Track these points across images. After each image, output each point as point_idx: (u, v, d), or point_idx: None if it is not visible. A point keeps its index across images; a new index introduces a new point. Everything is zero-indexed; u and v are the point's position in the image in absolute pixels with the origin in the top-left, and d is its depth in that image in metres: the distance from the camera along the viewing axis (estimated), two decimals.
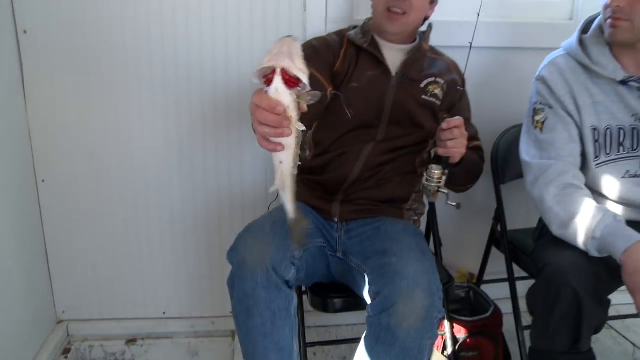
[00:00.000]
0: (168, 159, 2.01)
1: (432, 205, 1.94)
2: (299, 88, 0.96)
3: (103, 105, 1.91)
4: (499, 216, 1.92)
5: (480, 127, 1.77)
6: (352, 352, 1.44)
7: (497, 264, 1.96)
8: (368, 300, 1.38)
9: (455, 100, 1.69)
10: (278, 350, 1.38)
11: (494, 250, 2.00)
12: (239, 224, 2.08)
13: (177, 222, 2.08)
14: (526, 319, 1.78)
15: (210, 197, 2.07)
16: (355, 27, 1.70)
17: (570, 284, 1.32)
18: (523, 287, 1.81)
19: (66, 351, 2.09)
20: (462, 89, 1.72)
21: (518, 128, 1.89)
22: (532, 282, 1.79)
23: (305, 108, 0.99)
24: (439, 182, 1.48)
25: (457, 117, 1.46)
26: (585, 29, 1.57)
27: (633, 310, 1.92)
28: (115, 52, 1.85)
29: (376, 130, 1.60)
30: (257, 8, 1.87)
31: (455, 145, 1.46)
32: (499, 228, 1.93)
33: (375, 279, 1.37)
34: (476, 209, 2.15)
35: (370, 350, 1.33)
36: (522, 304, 1.75)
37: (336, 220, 1.64)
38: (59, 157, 1.95)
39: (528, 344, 1.73)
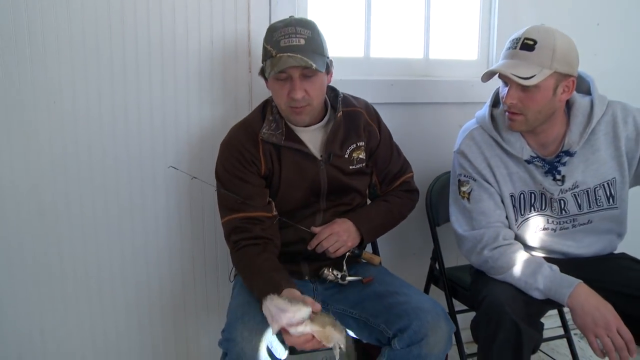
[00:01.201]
0: (120, 226, 2.04)
1: (374, 247, 2.09)
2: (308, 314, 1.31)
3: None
4: (436, 256, 2.09)
5: (413, 175, 1.95)
6: None
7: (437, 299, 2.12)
8: (374, 337, 1.58)
9: (374, 147, 1.80)
10: None
11: (432, 287, 2.17)
12: (189, 273, 2.15)
13: (127, 274, 2.10)
14: (469, 348, 1.95)
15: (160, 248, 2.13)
16: (263, 113, 1.71)
17: (508, 314, 1.50)
18: (462, 318, 2.00)
19: None
20: (379, 135, 1.80)
21: (447, 175, 2.11)
22: (470, 313, 1.98)
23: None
24: (339, 278, 1.72)
25: (319, 232, 1.71)
26: (495, 101, 1.76)
27: (557, 333, 2.16)
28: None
29: (318, 204, 1.74)
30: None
31: (335, 249, 1.70)
32: (437, 266, 2.10)
33: (393, 318, 1.52)
34: (413, 250, 2.33)
35: None
36: (464, 335, 1.92)
37: (307, 278, 1.78)
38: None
39: None
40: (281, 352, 1.48)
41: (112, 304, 2.10)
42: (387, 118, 1.84)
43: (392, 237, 1.80)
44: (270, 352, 1.45)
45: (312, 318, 1.30)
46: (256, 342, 1.42)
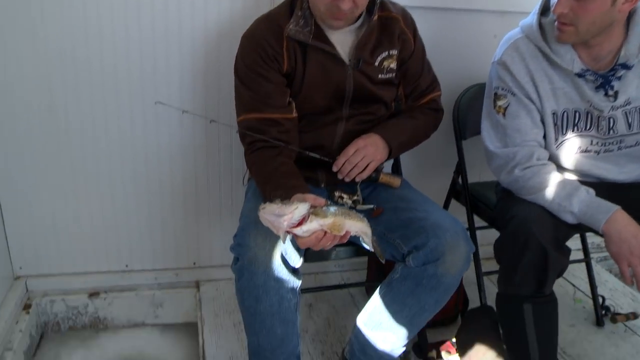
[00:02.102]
0: (132, 108, 1.95)
1: (396, 161, 2.00)
2: (307, 210, 1.18)
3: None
4: (460, 170, 2.00)
5: (441, 86, 1.81)
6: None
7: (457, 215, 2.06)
8: (389, 252, 1.51)
9: (407, 58, 1.66)
10: (284, 324, 1.47)
11: (453, 202, 2.10)
12: (203, 175, 2.09)
13: (140, 172, 2.05)
14: (485, 266, 1.91)
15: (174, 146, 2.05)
16: (291, 8, 1.55)
17: (536, 236, 1.42)
18: (481, 235, 1.95)
19: (27, 307, 2.06)
20: (413, 46, 1.65)
21: (477, 87, 1.99)
22: (490, 231, 1.93)
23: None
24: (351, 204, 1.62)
25: (344, 151, 1.59)
26: (544, 9, 1.59)
27: (576, 257, 2.09)
28: None
29: (341, 111, 1.62)
30: None
31: (364, 164, 1.58)
32: (459, 181, 2.02)
33: (410, 234, 1.45)
34: (436, 164, 2.24)
35: (406, 292, 1.47)
36: (482, 251, 1.88)
37: (323, 186, 1.70)
38: (14, 108, 1.86)
39: (488, 289, 1.88)
40: (296, 259, 1.43)
41: (123, 201, 2.07)
42: (419, 22, 1.68)
43: (415, 149, 1.70)
44: (284, 260, 1.40)
45: (316, 212, 1.19)
46: (270, 248, 1.36)
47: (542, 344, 1.48)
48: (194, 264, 2.24)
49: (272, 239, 1.36)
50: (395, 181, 1.66)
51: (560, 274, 1.50)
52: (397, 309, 1.51)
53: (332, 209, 1.21)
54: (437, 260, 1.40)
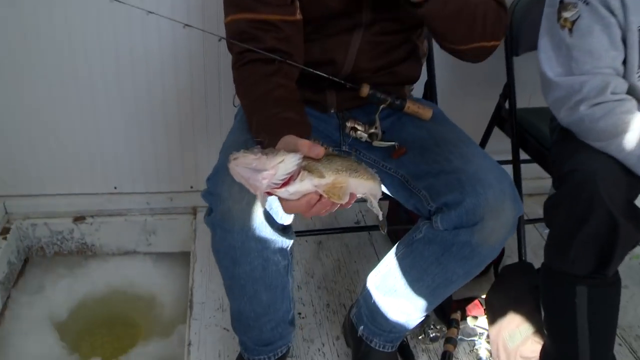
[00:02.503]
0: (114, 14, 1.62)
1: (429, 82, 1.63)
2: (297, 165, 0.81)
3: None
4: (508, 93, 1.63)
5: None
6: None
7: (499, 147, 1.72)
8: (412, 204, 1.20)
9: None
10: (269, 289, 1.20)
11: (495, 132, 1.75)
12: (200, 89, 1.77)
13: (128, 84, 1.74)
14: (528, 206, 1.60)
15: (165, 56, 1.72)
16: None
17: (603, 200, 1.09)
18: (524, 168, 1.65)
19: (5, 231, 1.84)
20: None
21: None
22: (533, 166, 1.59)
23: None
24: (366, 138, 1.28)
25: None
26: None
27: None
28: None
29: (360, 14, 1.21)
30: None
31: None
32: (506, 106, 1.65)
33: (441, 186, 1.12)
34: (480, 82, 1.85)
35: (430, 259, 1.17)
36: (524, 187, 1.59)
37: (333, 111, 1.34)
38: None
39: (530, 240, 1.58)
40: (285, 215, 1.11)
41: (107, 115, 1.81)
42: None
43: (453, 62, 1.31)
44: (269, 217, 1.08)
45: (310, 167, 0.83)
46: (249, 202, 1.05)
47: (596, 338, 1.18)
48: (191, 187, 1.97)
49: None
50: (426, 112, 1.29)
51: (630, 249, 1.17)
52: (416, 277, 1.22)
53: (335, 162, 0.86)
54: (474, 225, 1.08)
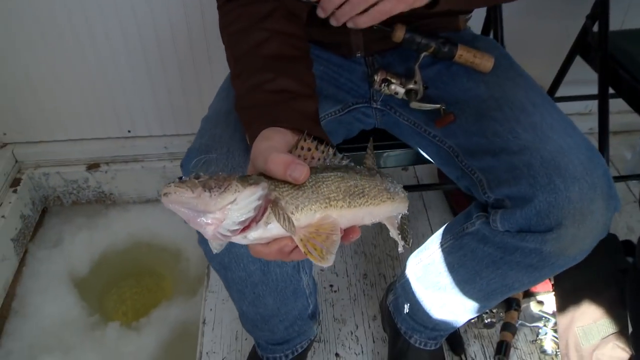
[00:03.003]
0: None
1: (492, 13, 1.27)
2: (258, 204, 0.53)
3: None
4: (599, 12, 1.25)
5: None
6: None
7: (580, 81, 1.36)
8: (463, 184, 0.94)
9: None
10: (276, 292, 0.97)
11: (577, 61, 1.37)
12: (214, 25, 1.48)
13: (131, 21, 1.47)
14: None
15: None
16: None
17: None
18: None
19: (15, 182, 1.69)
20: None
21: None
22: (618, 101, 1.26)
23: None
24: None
25: None
26: None
27: None
28: None
29: None
30: None
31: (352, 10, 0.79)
32: (594, 29, 1.28)
33: (502, 170, 0.83)
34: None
35: (484, 261, 0.90)
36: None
37: (359, 55, 1.03)
38: None
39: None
40: None
41: (110, 54, 1.56)
42: None
43: None
44: None
45: (283, 199, 0.55)
46: None
47: None
48: None
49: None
50: (485, 61, 0.95)
51: None
52: (466, 278, 0.96)
53: (327, 182, 0.58)
54: (548, 232, 0.78)
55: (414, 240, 1.37)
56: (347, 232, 0.59)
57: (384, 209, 0.64)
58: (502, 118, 0.87)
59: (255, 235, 0.54)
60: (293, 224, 0.54)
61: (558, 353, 1.21)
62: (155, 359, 1.50)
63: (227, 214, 0.51)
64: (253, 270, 0.90)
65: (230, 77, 0.84)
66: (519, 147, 0.82)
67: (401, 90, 0.97)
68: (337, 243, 0.55)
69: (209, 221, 0.51)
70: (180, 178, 0.52)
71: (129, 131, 1.71)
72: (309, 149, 0.60)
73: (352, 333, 1.29)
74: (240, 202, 0.52)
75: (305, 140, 0.60)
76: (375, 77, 0.98)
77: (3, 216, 1.58)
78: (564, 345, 1.17)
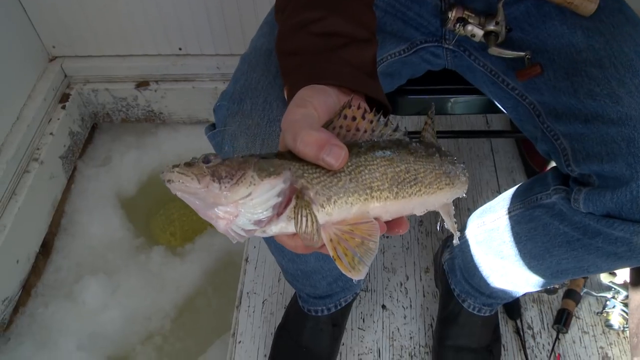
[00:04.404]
0: None
1: None
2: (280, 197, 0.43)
3: None
4: None
5: None
6: None
7: None
8: (542, 148, 0.81)
9: None
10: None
11: None
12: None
13: None
14: None
15: None
16: None
17: None
18: None
19: (64, 98, 1.64)
20: None
21: None
22: None
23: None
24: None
25: None
26: None
27: None
28: None
29: None
30: None
31: None
32: None
33: (592, 142, 0.70)
34: None
35: (558, 240, 0.79)
36: None
37: None
38: None
39: None
40: None
41: None
42: None
43: None
44: None
45: (310, 188, 0.44)
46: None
47: None
48: None
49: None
50: (586, 2, 0.79)
51: None
52: (535, 253, 0.85)
53: (372, 166, 0.46)
54: None
55: (476, 191, 1.26)
56: (391, 224, 0.49)
57: (440, 197, 0.52)
58: (600, 76, 0.72)
59: (275, 230, 0.45)
60: (319, 229, 0.44)
61: (625, 329, 1.11)
62: (198, 288, 1.49)
63: (240, 209, 0.42)
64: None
65: (274, 9, 0.72)
66: (619, 115, 0.68)
67: (479, 33, 0.82)
68: (373, 253, 0.45)
69: (220, 214, 0.42)
70: (198, 158, 0.43)
71: (180, 49, 1.61)
72: (354, 118, 0.48)
73: (401, 284, 1.22)
74: (256, 197, 0.42)
75: (350, 108, 0.49)
76: (450, 15, 0.83)
77: (51, 133, 1.55)
78: (635, 323, 1.06)
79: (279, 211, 0.43)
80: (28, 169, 1.47)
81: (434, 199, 0.52)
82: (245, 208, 0.42)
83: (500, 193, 1.34)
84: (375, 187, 0.46)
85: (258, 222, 0.43)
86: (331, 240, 0.45)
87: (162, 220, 1.68)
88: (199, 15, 1.52)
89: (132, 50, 1.62)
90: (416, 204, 0.50)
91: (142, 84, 1.66)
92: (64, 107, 1.61)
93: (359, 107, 0.48)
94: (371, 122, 0.49)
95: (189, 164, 0.42)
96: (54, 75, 1.60)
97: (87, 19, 1.54)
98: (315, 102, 0.50)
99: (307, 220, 0.43)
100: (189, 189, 0.42)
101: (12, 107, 1.48)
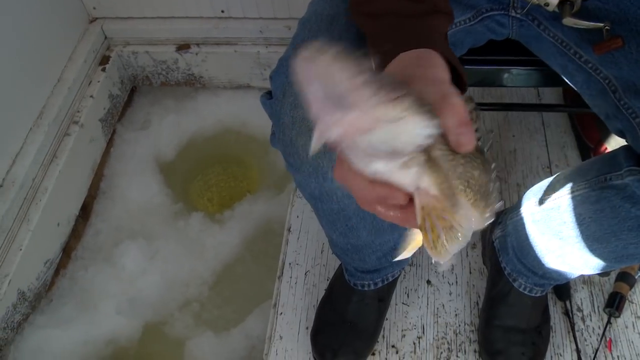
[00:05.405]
0: None
1: None
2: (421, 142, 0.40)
3: None
4: None
5: None
6: None
7: None
8: (615, 125, 0.77)
9: None
10: (372, 226, 0.87)
11: None
12: None
13: None
14: None
15: None
16: None
17: None
18: None
19: (104, 60, 1.62)
20: None
21: None
22: None
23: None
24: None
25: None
26: None
27: None
28: None
29: None
30: None
31: None
32: None
33: None
34: None
35: (628, 224, 0.75)
36: None
37: None
38: None
39: None
40: None
41: None
42: None
43: None
44: None
45: (432, 158, 0.41)
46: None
47: None
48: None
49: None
50: None
51: None
52: (599, 236, 0.81)
53: (471, 161, 0.44)
54: None
55: (526, 165, 1.21)
56: None
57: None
58: None
59: (380, 168, 0.40)
60: (454, 191, 0.42)
61: None
62: (237, 255, 1.48)
63: (376, 129, 0.37)
64: (348, 204, 0.79)
65: None
66: None
67: (554, 1, 0.77)
68: (459, 244, 0.43)
69: (343, 120, 0.37)
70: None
71: (223, 11, 1.57)
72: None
73: None
74: (404, 127, 0.38)
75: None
76: None
77: (92, 96, 1.53)
78: None
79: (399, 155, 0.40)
80: (69, 132, 1.46)
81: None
82: (383, 132, 0.37)
83: (551, 168, 1.31)
84: (471, 184, 0.44)
85: (392, 153, 0.39)
86: (423, 207, 0.42)
87: (199, 186, 1.67)
88: None
89: (173, 12, 1.58)
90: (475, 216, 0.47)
91: (182, 47, 1.63)
92: (104, 70, 1.60)
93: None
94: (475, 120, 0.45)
95: (341, 53, 0.37)
96: (94, 37, 1.58)
97: None
98: (441, 70, 0.48)
99: (433, 176, 0.41)
100: (333, 76, 0.36)
101: (53, 69, 1.47)
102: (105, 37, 1.63)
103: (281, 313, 1.17)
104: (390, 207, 0.44)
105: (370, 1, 0.61)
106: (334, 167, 0.45)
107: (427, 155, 0.41)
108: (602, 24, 0.74)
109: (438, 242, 0.42)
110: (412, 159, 0.40)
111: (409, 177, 0.41)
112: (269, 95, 0.75)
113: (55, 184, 1.37)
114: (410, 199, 0.43)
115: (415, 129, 0.38)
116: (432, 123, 0.39)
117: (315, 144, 0.40)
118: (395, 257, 0.54)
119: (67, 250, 1.45)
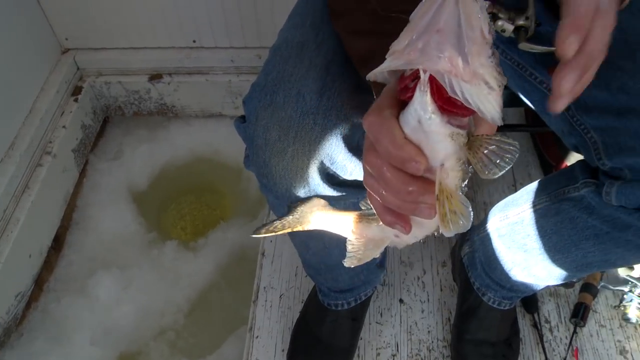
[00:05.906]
0: None
1: None
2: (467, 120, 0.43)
3: None
4: None
5: None
6: None
7: None
8: (571, 142, 0.79)
9: None
10: (342, 245, 0.86)
11: None
12: None
13: None
14: None
15: None
16: None
17: None
18: None
19: (77, 91, 1.63)
20: None
21: None
22: None
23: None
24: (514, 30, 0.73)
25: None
26: None
27: None
28: None
29: None
30: None
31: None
32: None
33: (624, 136, 0.68)
34: None
35: (585, 234, 0.78)
36: None
37: None
38: None
39: None
40: (355, 172, 0.75)
41: None
42: None
43: None
44: (328, 177, 0.74)
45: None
46: (294, 156, 0.71)
47: None
48: None
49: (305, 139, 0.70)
50: None
51: None
52: (560, 247, 0.84)
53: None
54: None
55: (492, 185, 1.24)
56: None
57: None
58: (633, 69, 0.72)
59: (438, 124, 0.41)
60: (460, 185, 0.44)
61: None
62: (212, 282, 1.48)
63: (476, 82, 0.39)
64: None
65: None
66: None
67: (509, 28, 0.81)
68: (460, 227, 0.43)
69: (454, 59, 0.38)
70: None
71: (194, 41, 1.60)
72: None
73: (418, 278, 1.22)
74: (491, 97, 0.40)
75: None
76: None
77: (64, 126, 1.54)
78: None
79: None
80: (41, 163, 1.46)
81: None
82: (479, 88, 0.39)
83: (516, 187, 1.35)
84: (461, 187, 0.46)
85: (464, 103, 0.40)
86: (440, 183, 0.43)
87: (173, 215, 1.68)
88: (214, 7, 1.51)
89: (145, 43, 1.61)
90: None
91: (155, 77, 1.65)
92: (76, 100, 1.61)
93: None
94: None
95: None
96: (66, 68, 1.60)
97: (100, 10, 1.52)
98: None
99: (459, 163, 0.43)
100: (471, 19, 0.38)
101: (25, 100, 1.47)
102: (78, 68, 1.64)
103: (257, 337, 1.18)
104: (401, 173, 0.43)
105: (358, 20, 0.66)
106: (367, 116, 0.44)
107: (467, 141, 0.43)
108: (554, 48, 0.78)
109: (448, 217, 0.43)
110: (458, 134, 0.42)
111: (446, 149, 0.42)
112: (242, 119, 0.77)
113: (27, 215, 1.37)
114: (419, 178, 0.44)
115: (495, 106, 0.40)
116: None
117: (392, 65, 0.40)
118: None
119: (39, 283, 1.44)
